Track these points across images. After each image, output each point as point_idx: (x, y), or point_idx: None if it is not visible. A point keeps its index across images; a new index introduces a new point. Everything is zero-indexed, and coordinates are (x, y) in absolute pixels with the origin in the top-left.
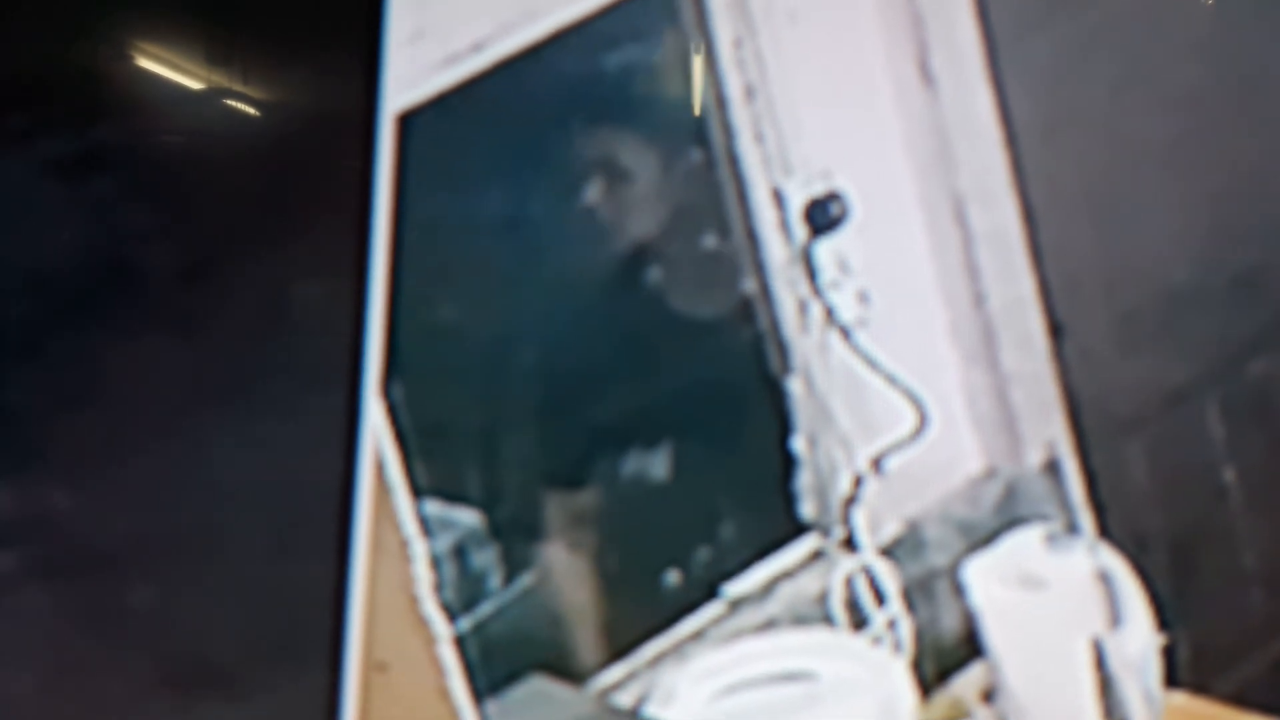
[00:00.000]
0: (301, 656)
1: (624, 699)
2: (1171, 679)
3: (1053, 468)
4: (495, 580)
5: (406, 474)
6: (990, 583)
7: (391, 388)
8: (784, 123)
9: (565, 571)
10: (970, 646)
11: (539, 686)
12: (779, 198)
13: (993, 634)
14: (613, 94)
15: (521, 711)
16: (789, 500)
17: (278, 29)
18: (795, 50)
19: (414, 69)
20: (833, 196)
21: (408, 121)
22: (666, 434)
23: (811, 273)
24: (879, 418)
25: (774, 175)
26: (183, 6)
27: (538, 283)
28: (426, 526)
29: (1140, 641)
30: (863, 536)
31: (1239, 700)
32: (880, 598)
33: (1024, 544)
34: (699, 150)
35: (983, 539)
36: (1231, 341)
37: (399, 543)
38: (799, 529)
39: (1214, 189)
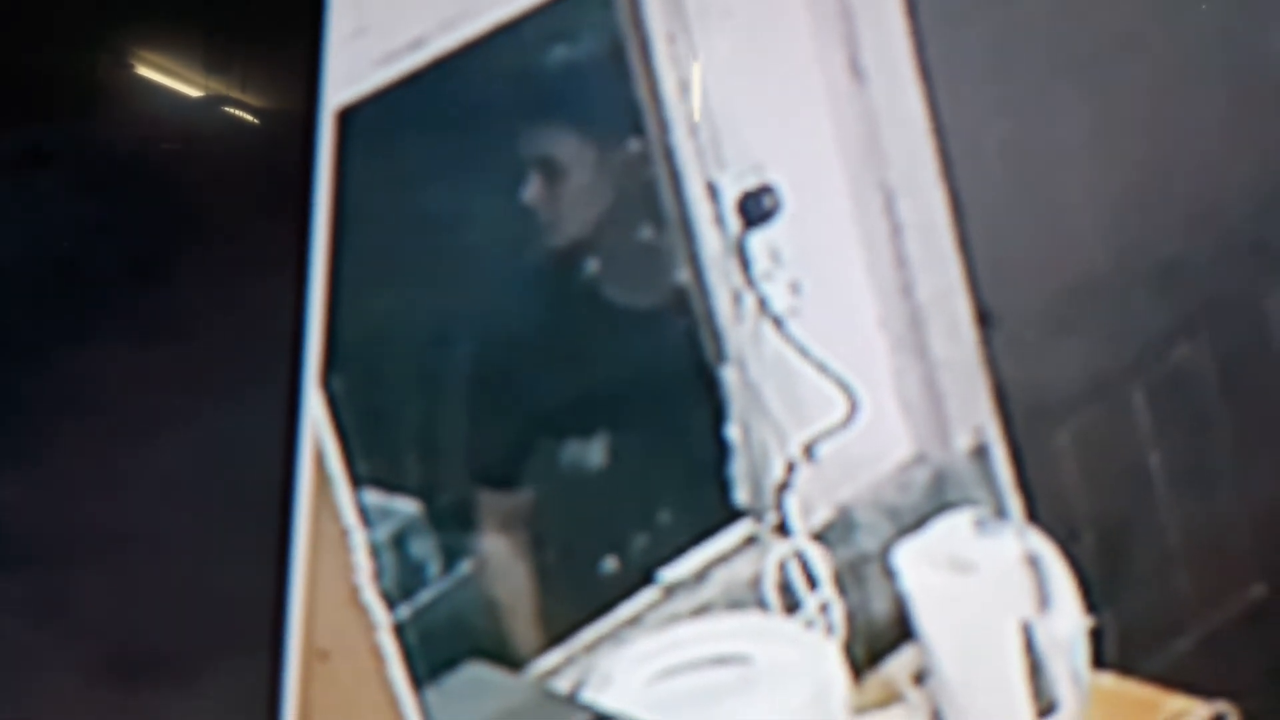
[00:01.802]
0: (243, 645)
1: (561, 684)
2: (1099, 660)
3: (981, 453)
4: (434, 568)
5: (346, 464)
6: (920, 567)
7: (331, 380)
8: (718, 117)
9: (503, 559)
10: (901, 629)
11: (477, 672)
12: (713, 191)
13: (923, 617)
14: (550, 89)
15: (460, 697)
16: (723, 487)
17: (218, 25)
18: (728, 46)
19: (354, 65)
20: (765, 189)
21: (348, 117)
22: (603, 423)
23: (745, 264)
24: (811, 405)
25: (708, 169)
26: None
27: (475, 275)
28: (366, 516)
29: (1068, 623)
30: (795, 522)
31: (1165, 680)
32: (812, 582)
33: (953, 528)
34: (635, 144)
35: (912, 524)
36: (1155, 329)
37: (339, 532)
38: (733, 515)
39: (1138, 180)
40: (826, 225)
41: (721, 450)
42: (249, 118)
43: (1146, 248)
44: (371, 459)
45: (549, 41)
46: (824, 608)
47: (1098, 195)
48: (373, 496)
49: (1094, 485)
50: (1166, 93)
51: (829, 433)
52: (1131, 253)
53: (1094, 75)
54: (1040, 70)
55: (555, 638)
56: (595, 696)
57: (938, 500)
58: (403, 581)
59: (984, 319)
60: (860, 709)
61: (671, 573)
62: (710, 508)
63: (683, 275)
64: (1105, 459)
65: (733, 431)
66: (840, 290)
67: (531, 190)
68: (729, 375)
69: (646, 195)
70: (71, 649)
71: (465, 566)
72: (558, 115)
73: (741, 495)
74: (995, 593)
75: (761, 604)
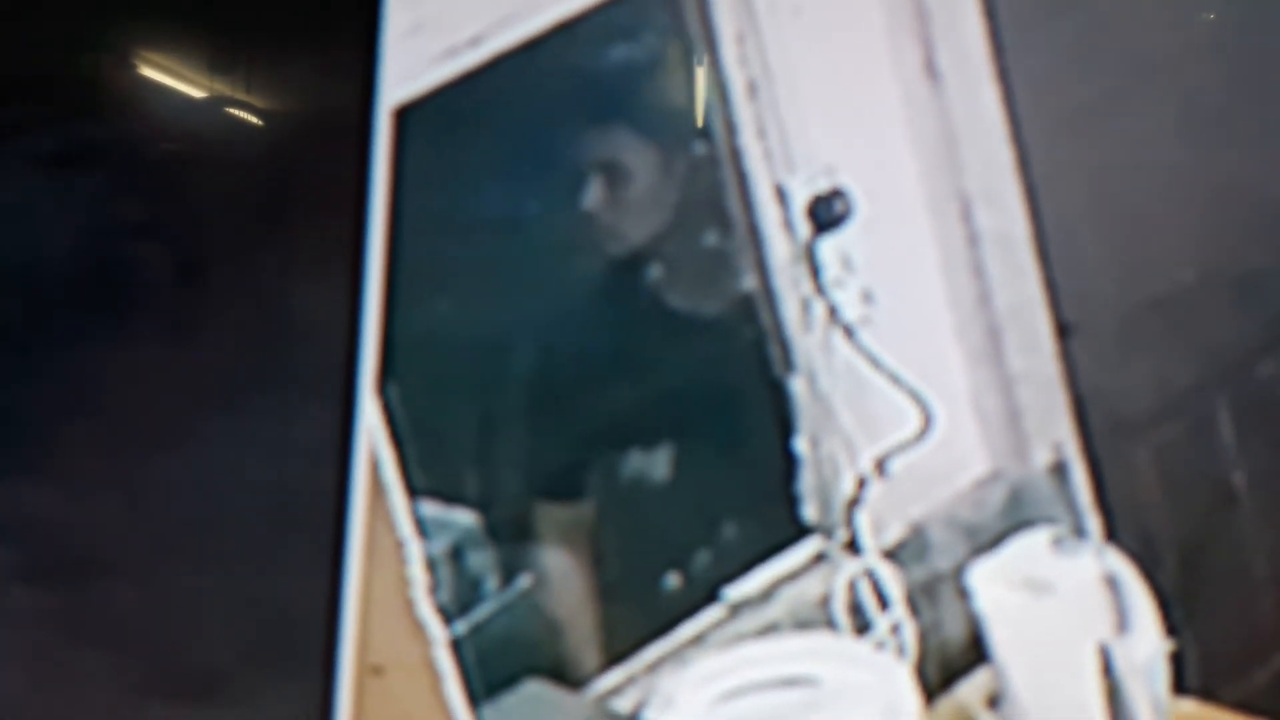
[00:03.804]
0: (295, 660)
1: (622, 704)
2: (1180, 685)
3: (1059, 470)
4: (492, 582)
5: (402, 474)
6: (996, 587)
7: (387, 387)
8: (787, 119)
9: (563, 574)
10: (975, 651)
11: (536, 691)
12: (782, 194)
13: (998, 639)
14: (613, 88)
15: (518, 716)
16: (791, 502)
17: (276, 20)
18: (799, 45)
19: (412, 62)
20: (836, 193)
21: (405, 116)
22: (666, 434)
23: (814, 271)
24: (883, 418)
25: (777, 172)
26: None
27: (536, 280)
28: (422, 528)
29: (1148, 647)
30: (866, 539)
31: (1248, 707)
32: (884, 602)
33: (1030, 547)
34: (701, 146)
35: (988, 542)
36: (1241, 343)
37: (394, 544)
38: (801, 531)
39: (1222, 188)
40: (900, 232)
41: (789, 464)
42: (300, 116)
43: (1232, 258)
44: (428, 469)
45: (613, 40)
46: (895, 628)
47: (1181, 204)
48: (429, 508)
49: (1176, 504)
50: (1250, 99)
51: (902, 447)
52: (1216, 263)
53: (1176, 80)
54: (1121, 74)
55: (616, 656)
56: (657, 718)
57: (1014, 518)
58: (459, 596)
59: (1063, 331)
60: None
61: (737, 590)
62: (777, 523)
63: (750, 282)
64: (1188, 477)
65: (801, 445)
66: (914, 299)
67: (593, 194)
68: (797, 386)
69: (712, 199)
70: (114, 664)
71: (524, 581)
72: (621, 116)
73: (810, 511)
74: (1073, 614)
75: (830, 624)
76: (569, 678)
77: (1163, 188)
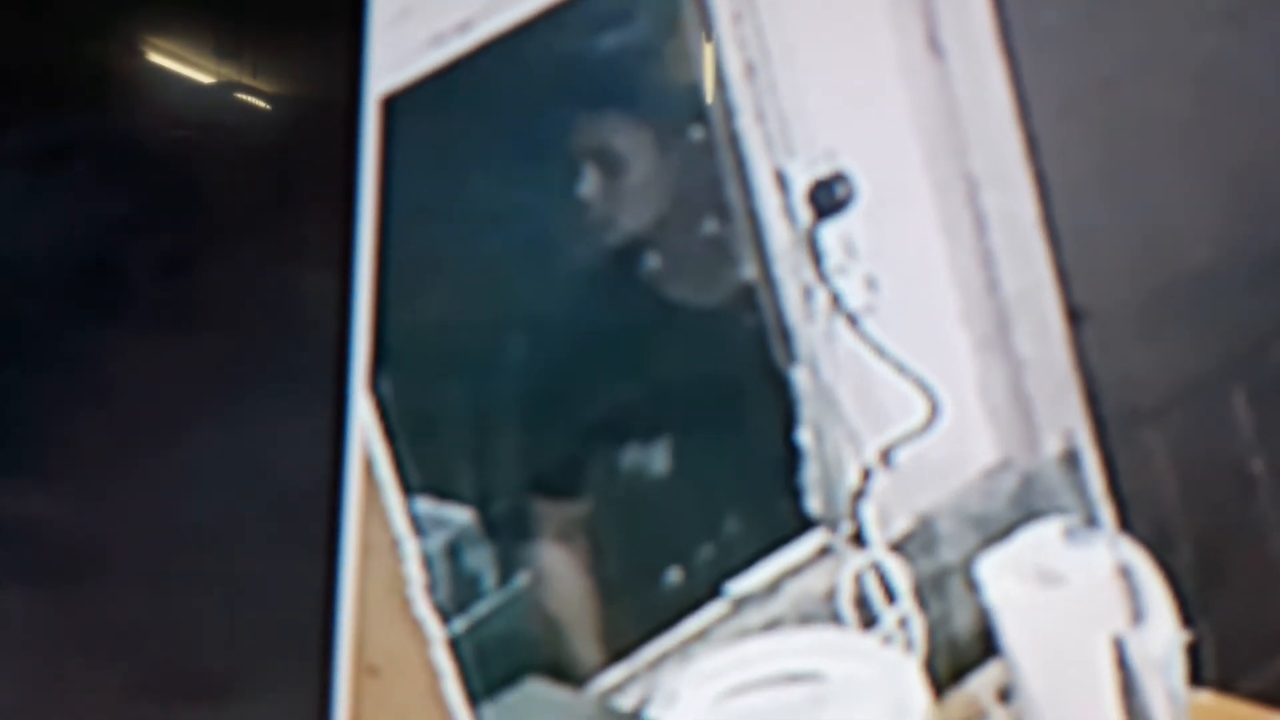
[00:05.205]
0: (291, 660)
1: (625, 702)
2: (1196, 677)
3: (1071, 458)
4: (490, 580)
5: (396, 470)
6: (1006, 579)
7: (380, 381)
8: (786, 101)
9: (562, 570)
10: (985, 645)
11: (536, 690)
12: (782, 180)
13: (1009, 632)
14: (607, 73)
15: (518, 716)
16: (795, 495)
17: (242, 11)
18: (797, 25)
19: (399, 49)
20: (838, 178)
21: (393, 104)
22: (666, 427)
23: (816, 258)
24: (888, 408)
25: (776, 156)
26: None
27: (531, 271)
28: (418, 525)
29: (1163, 639)
30: (872, 532)
31: (1268, 699)
32: (891, 595)
33: (1041, 538)
34: (698, 131)
35: (998, 533)
36: (1258, 325)
37: (389, 542)
38: (805, 524)
39: (1238, 166)
40: (905, 216)
41: (792, 456)
42: (285, 105)
43: (1247, 239)
44: (423, 465)
45: (606, 23)
46: (903, 622)
47: (1196, 183)
48: (424, 504)
49: (1191, 492)
50: (1265, 71)
51: (908, 437)
52: (1231, 245)
53: (1189, 53)
54: (1134, 47)
55: (617, 653)
56: (660, 715)
57: (1024, 508)
58: (457, 594)
59: (1074, 316)
60: None
61: (740, 585)
62: (781, 517)
63: (750, 271)
64: (1204, 464)
65: (804, 436)
66: (920, 286)
67: (587, 182)
68: (800, 377)
69: (710, 186)
70: (106, 664)
71: (522, 578)
72: (615, 101)
73: (814, 504)
74: (1085, 606)
75: (836, 618)
76: (570, 676)
77: (1177, 166)
